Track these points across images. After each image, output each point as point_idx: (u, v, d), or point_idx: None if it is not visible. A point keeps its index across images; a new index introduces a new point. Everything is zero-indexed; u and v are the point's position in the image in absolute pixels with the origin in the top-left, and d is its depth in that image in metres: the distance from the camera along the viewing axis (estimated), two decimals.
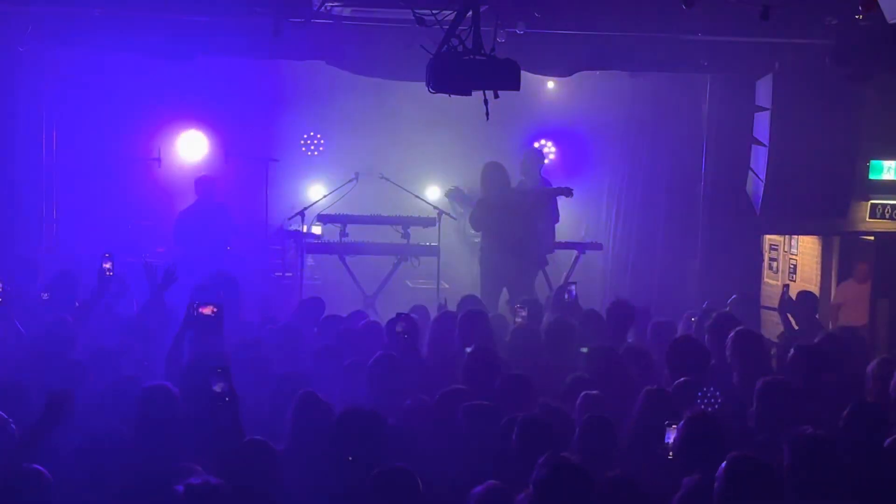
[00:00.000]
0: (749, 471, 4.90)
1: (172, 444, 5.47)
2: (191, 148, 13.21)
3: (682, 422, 5.58)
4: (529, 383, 6.57)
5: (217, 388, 5.62)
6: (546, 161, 12.38)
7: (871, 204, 11.25)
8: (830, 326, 10.69)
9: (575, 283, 9.74)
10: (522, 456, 5.36)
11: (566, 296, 9.31)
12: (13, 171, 10.95)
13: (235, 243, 11.77)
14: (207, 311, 6.78)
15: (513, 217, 10.84)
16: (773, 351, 8.15)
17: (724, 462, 4.96)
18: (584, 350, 7.43)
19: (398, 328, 7.32)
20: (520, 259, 10.76)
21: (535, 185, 11.48)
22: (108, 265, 8.31)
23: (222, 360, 6.03)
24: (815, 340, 7.76)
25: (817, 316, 10.07)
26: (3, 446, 5.29)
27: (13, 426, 5.45)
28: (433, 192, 13.29)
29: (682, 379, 6.55)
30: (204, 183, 11.89)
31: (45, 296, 8.84)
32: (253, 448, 5.26)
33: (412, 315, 7.83)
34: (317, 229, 12.13)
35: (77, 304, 8.44)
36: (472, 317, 8.05)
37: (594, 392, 6.31)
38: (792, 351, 7.12)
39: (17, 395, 6.01)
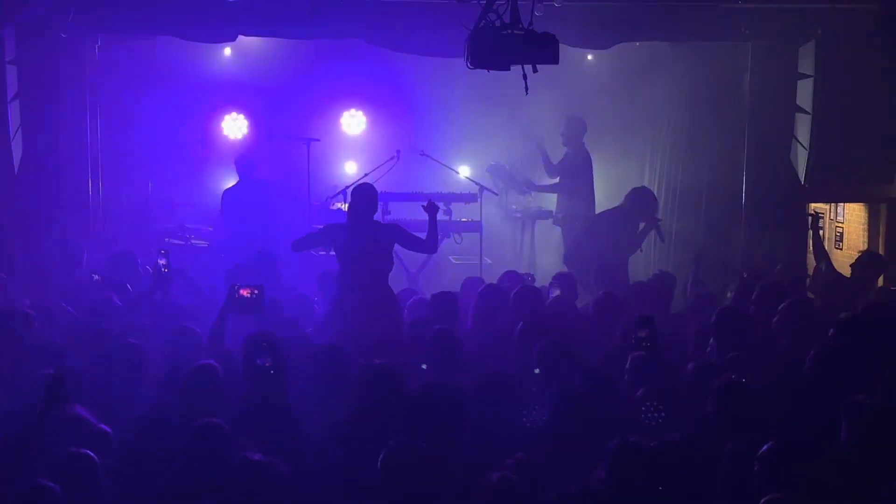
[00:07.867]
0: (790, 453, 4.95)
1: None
2: (232, 129, 13.33)
3: (713, 397, 5.65)
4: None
5: (261, 362, 5.73)
6: None
7: None
8: None
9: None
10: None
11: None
12: (59, 156, 11.05)
13: (279, 220, 11.83)
14: (247, 293, 6.90)
15: None
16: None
17: (767, 445, 4.98)
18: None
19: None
20: None
21: (577, 152, 11.43)
22: (163, 262, 7.99)
23: (268, 337, 6.13)
24: (860, 309, 7.69)
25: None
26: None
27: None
28: (474, 168, 13.26)
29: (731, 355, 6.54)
30: (244, 161, 11.94)
31: (96, 277, 8.71)
32: None
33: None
34: None
35: (130, 289, 8.32)
36: (526, 292, 8.07)
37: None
38: (834, 328, 7.07)
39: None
